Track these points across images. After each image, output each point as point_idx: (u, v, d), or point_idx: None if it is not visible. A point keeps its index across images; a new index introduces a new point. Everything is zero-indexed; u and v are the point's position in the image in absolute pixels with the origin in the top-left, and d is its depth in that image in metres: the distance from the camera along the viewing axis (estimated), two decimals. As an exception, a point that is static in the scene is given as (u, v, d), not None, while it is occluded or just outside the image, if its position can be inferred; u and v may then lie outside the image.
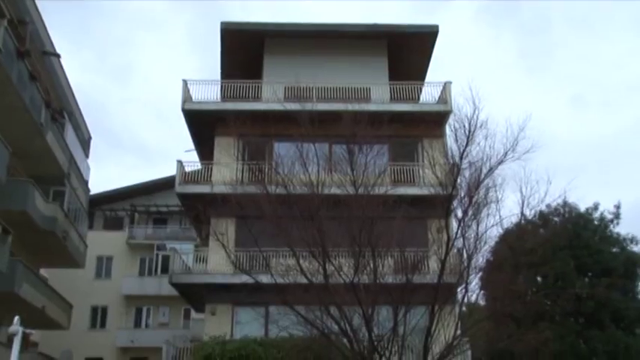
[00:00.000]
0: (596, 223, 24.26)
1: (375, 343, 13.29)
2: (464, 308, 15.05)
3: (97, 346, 34.32)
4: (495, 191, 14.22)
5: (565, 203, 24.09)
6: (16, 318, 10.09)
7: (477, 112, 13.71)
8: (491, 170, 14.00)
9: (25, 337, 10.57)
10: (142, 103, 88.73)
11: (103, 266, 36.87)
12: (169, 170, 76.23)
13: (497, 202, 14.19)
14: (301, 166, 14.87)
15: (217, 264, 19.41)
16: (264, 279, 14.43)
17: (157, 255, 36.62)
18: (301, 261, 13.73)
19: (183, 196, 21.75)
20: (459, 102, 14.58)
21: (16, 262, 18.64)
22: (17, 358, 9.46)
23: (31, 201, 19.68)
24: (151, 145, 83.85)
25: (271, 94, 21.18)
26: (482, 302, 16.80)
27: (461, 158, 14.08)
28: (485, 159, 14.02)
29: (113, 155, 77.63)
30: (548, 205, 21.89)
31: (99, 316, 35.97)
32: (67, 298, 25.85)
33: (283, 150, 18.10)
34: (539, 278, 22.25)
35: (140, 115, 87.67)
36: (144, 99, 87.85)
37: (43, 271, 26.00)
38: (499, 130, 13.98)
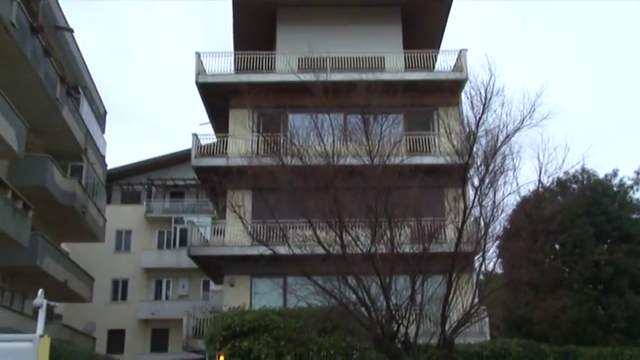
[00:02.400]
0: (615, 189, 23.91)
1: (393, 311, 13.35)
2: (481, 276, 15.01)
3: (119, 319, 35.03)
4: (512, 159, 14.01)
5: (583, 170, 23.75)
6: (40, 290, 10.25)
7: (492, 79, 13.48)
8: (507, 137, 13.78)
9: (49, 310, 10.73)
10: (145, 76, 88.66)
11: (122, 240, 37.38)
12: (178, 143, 76.50)
13: (515, 169, 14.01)
14: (316, 137, 14.79)
15: (235, 236, 19.59)
16: (282, 250, 14.51)
17: (175, 228, 37.08)
18: (318, 231, 13.74)
19: (199, 170, 21.87)
20: (475, 69, 14.35)
21: (36, 236, 18.96)
22: (43, 329, 9.64)
23: (49, 176, 19.91)
24: (151, 117, 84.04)
25: (285, 65, 21.06)
26: (499, 270, 16.74)
27: (477, 126, 13.87)
28: (501, 126, 13.78)
29: (118, 128, 77.96)
30: (566, 172, 21.55)
31: (120, 289, 36.61)
32: (89, 272, 26.33)
33: (298, 121, 18.06)
34: (557, 245, 22.10)
35: (143, 87, 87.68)
36: (146, 71, 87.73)
37: (63, 246, 26.42)
38: (515, 97, 13.74)
